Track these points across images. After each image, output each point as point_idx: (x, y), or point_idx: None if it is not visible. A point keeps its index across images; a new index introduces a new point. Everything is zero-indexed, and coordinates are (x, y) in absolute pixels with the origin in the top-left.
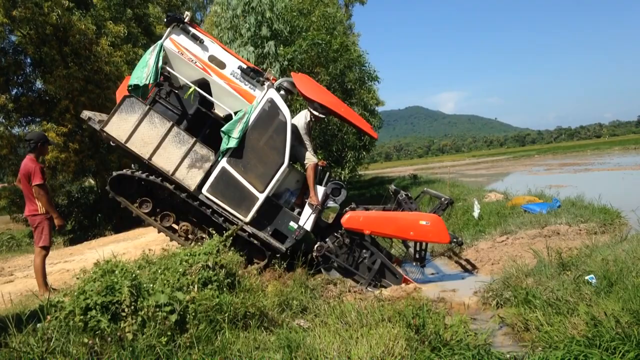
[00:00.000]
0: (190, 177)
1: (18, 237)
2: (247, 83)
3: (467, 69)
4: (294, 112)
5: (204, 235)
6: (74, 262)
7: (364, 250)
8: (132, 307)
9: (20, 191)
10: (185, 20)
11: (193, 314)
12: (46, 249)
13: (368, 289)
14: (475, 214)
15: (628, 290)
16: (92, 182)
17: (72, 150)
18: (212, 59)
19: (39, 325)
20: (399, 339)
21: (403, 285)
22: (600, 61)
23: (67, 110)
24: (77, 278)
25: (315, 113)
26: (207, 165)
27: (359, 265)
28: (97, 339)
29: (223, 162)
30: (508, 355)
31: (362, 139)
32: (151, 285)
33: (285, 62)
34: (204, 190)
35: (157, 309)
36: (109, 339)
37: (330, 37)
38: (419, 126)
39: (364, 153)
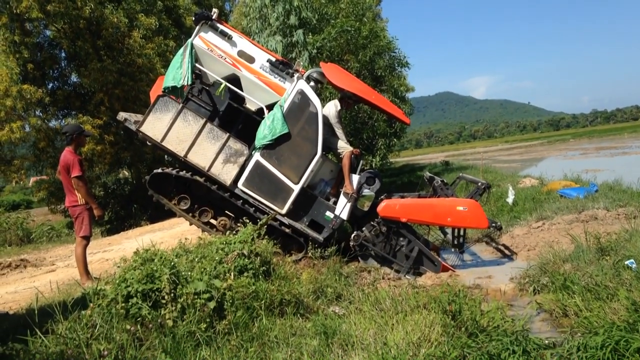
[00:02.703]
0: (225, 172)
1: (57, 228)
2: (276, 76)
3: (498, 53)
4: (323, 101)
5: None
6: (113, 252)
7: (401, 238)
8: (172, 295)
9: (59, 183)
10: (213, 17)
11: (230, 301)
12: (87, 238)
13: (407, 276)
14: (510, 199)
15: None
16: (127, 173)
17: (107, 142)
18: (241, 54)
19: (83, 312)
20: (435, 325)
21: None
22: (636, 42)
23: (101, 103)
24: (118, 266)
25: (348, 101)
26: (242, 159)
27: (397, 253)
28: (138, 326)
29: (257, 156)
30: (547, 341)
31: (393, 125)
32: (189, 273)
33: (314, 51)
34: (240, 184)
35: (196, 296)
36: (150, 325)
37: (359, 24)
38: (449, 112)
39: (395, 140)
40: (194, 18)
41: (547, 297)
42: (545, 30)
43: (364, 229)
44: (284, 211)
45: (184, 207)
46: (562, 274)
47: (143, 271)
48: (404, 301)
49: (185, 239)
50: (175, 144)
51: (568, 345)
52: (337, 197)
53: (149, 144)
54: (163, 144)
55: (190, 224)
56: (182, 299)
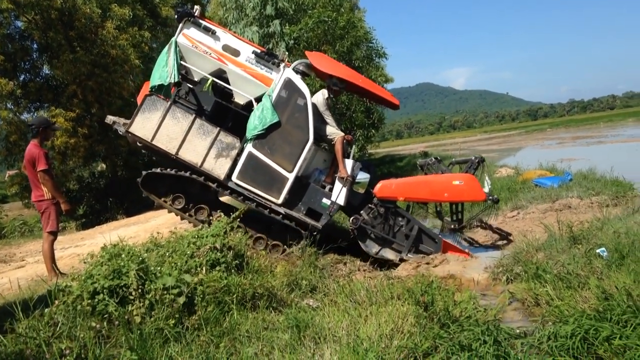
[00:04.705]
0: (218, 167)
1: (30, 223)
2: (263, 67)
3: (478, 44)
4: (313, 94)
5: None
6: (85, 247)
7: (400, 218)
8: (140, 291)
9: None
10: (195, 14)
11: (201, 296)
12: (54, 234)
13: (408, 255)
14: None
15: None
16: (104, 166)
17: (81, 135)
18: (225, 48)
19: (46, 310)
20: (408, 316)
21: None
22: (612, 32)
23: (74, 95)
24: (85, 262)
25: (335, 88)
26: (234, 152)
27: (396, 234)
28: (104, 323)
29: (249, 147)
30: (518, 331)
31: (371, 116)
32: (159, 268)
33: (291, 41)
34: (234, 177)
35: (165, 292)
36: (117, 322)
37: (336, 14)
38: (430, 103)
39: (373, 131)
40: (176, 16)
41: (520, 286)
42: (524, 22)
43: (362, 212)
44: (280, 201)
45: (179, 206)
46: (534, 263)
47: (110, 267)
48: (379, 292)
49: (158, 233)
50: (166, 142)
51: (539, 335)
52: (333, 184)
53: (139, 144)
54: (154, 143)
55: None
56: (150, 295)
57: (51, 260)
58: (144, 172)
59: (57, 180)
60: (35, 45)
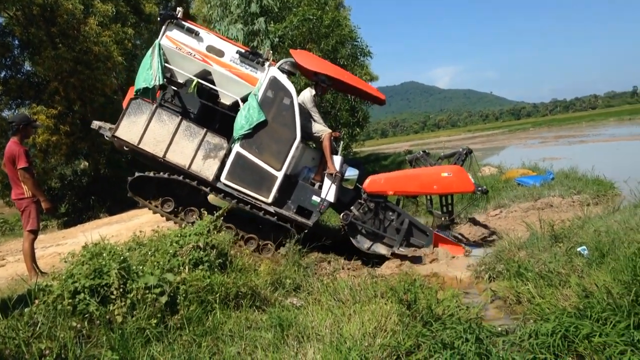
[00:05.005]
0: (206, 168)
1: (11, 222)
2: (247, 67)
3: (462, 43)
4: (299, 92)
5: (230, 225)
6: (67, 246)
7: (390, 213)
8: (121, 290)
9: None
10: (178, 16)
11: (184, 295)
12: (34, 232)
13: (400, 249)
14: None
15: (619, 261)
16: (86, 164)
17: (63, 132)
18: (210, 49)
19: (26, 310)
20: (391, 315)
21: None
22: (594, 33)
23: (56, 92)
24: (66, 261)
25: (323, 85)
26: (222, 153)
27: (387, 228)
28: (85, 323)
29: (237, 147)
30: (500, 328)
31: (356, 115)
32: (141, 267)
33: (276, 39)
34: (222, 178)
35: (147, 291)
36: (98, 322)
37: (321, 13)
38: (414, 102)
39: (358, 130)
40: (159, 18)
41: (502, 284)
42: (509, 22)
43: (352, 207)
44: (270, 200)
45: (168, 210)
46: (516, 261)
47: (91, 266)
48: (362, 291)
49: (140, 231)
50: (153, 145)
51: (520, 332)
52: (322, 182)
53: (125, 149)
54: (140, 146)
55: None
56: (132, 294)
57: (31, 259)
58: (129, 178)
59: (38, 178)
60: (16, 42)
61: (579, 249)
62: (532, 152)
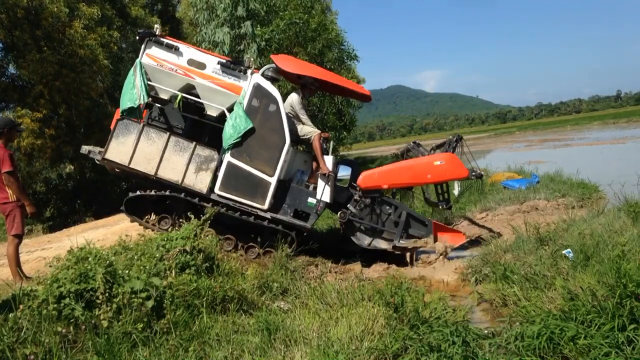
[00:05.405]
0: (199, 181)
1: None
2: (230, 76)
3: (449, 47)
4: (285, 97)
5: (230, 236)
6: (52, 250)
7: (387, 207)
8: (107, 294)
9: None
10: (156, 33)
11: (170, 299)
12: (19, 237)
13: (401, 242)
14: (456, 191)
15: (604, 264)
16: (71, 167)
17: (48, 136)
18: (191, 62)
19: (10, 315)
20: (379, 318)
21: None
22: (579, 37)
23: (41, 96)
24: (51, 266)
25: (311, 87)
26: (213, 165)
27: (385, 222)
28: (71, 328)
29: (228, 157)
30: (486, 331)
31: (343, 118)
32: (127, 271)
33: (263, 43)
34: (216, 189)
35: (133, 296)
36: (84, 327)
37: (307, 16)
38: (401, 105)
39: (345, 133)
40: (137, 37)
41: (488, 287)
42: (493, 26)
43: (348, 205)
44: (265, 206)
45: (165, 227)
46: (502, 264)
47: (77, 270)
48: (349, 294)
49: (127, 235)
50: (144, 164)
51: (506, 335)
52: (316, 184)
53: (117, 170)
54: (131, 166)
55: None
56: (118, 299)
57: (16, 264)
58: (125, 199)
59: (22, 183)
60: (0, 45)
61: (564, 252)
62: (518, 156)
